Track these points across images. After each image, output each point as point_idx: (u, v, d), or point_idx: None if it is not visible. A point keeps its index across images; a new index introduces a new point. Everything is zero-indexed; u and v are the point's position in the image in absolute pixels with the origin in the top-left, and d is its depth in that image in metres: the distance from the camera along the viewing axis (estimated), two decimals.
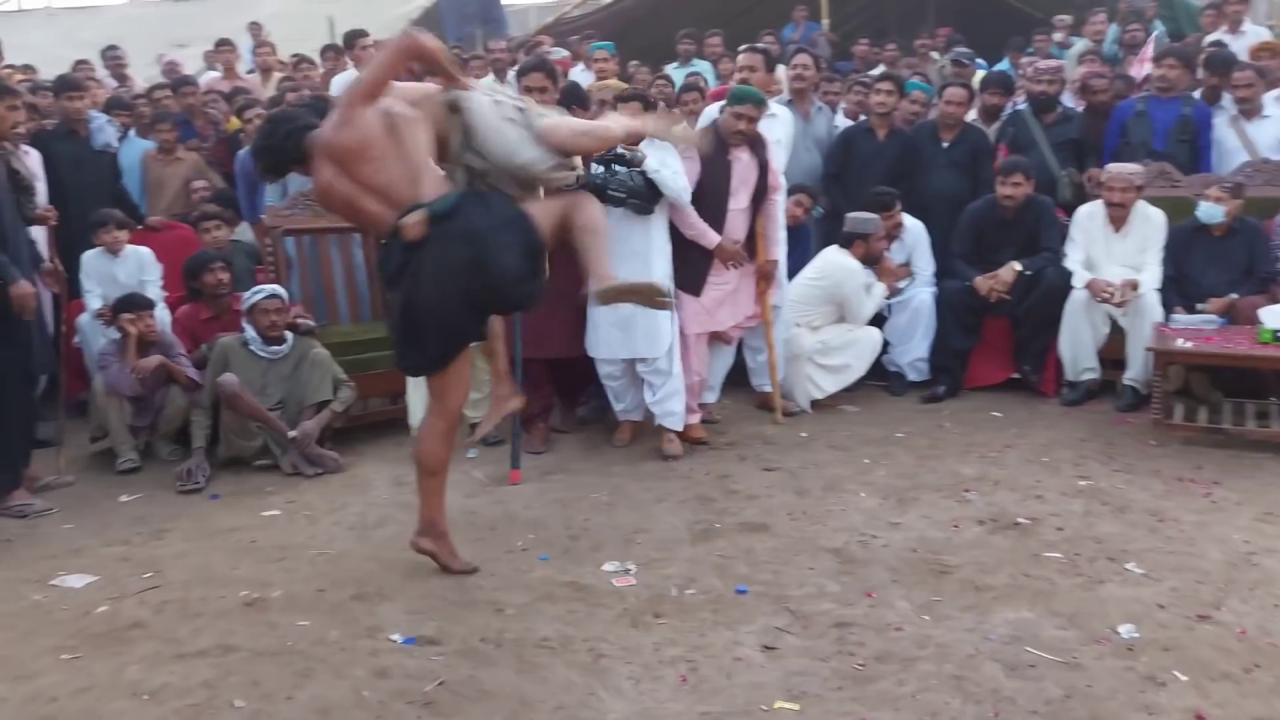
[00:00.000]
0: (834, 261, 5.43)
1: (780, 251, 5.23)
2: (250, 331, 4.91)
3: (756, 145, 5.00)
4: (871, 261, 5.48)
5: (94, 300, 5.49)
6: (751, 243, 5.06)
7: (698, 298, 4.91)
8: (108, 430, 4.91)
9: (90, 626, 3.33)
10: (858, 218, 5.48)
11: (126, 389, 4.85)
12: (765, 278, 5.11)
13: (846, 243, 5.45)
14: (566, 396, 5.31)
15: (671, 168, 4.70)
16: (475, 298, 3.32)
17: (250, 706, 2.85)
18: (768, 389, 5.43)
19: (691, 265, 4.87)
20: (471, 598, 3.47)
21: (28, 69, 8.15)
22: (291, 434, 4.76)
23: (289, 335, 4.97)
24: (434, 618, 3.33)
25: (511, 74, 8.30)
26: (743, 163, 4.97)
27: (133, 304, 5.00)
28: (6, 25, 15.88)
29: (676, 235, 4.85)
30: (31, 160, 5.48)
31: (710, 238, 4.88)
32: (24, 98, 5.13)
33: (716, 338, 5.17)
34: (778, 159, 5.32)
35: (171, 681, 2.98)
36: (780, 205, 5.26)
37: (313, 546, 3.92)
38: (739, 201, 4.97)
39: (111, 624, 3.34)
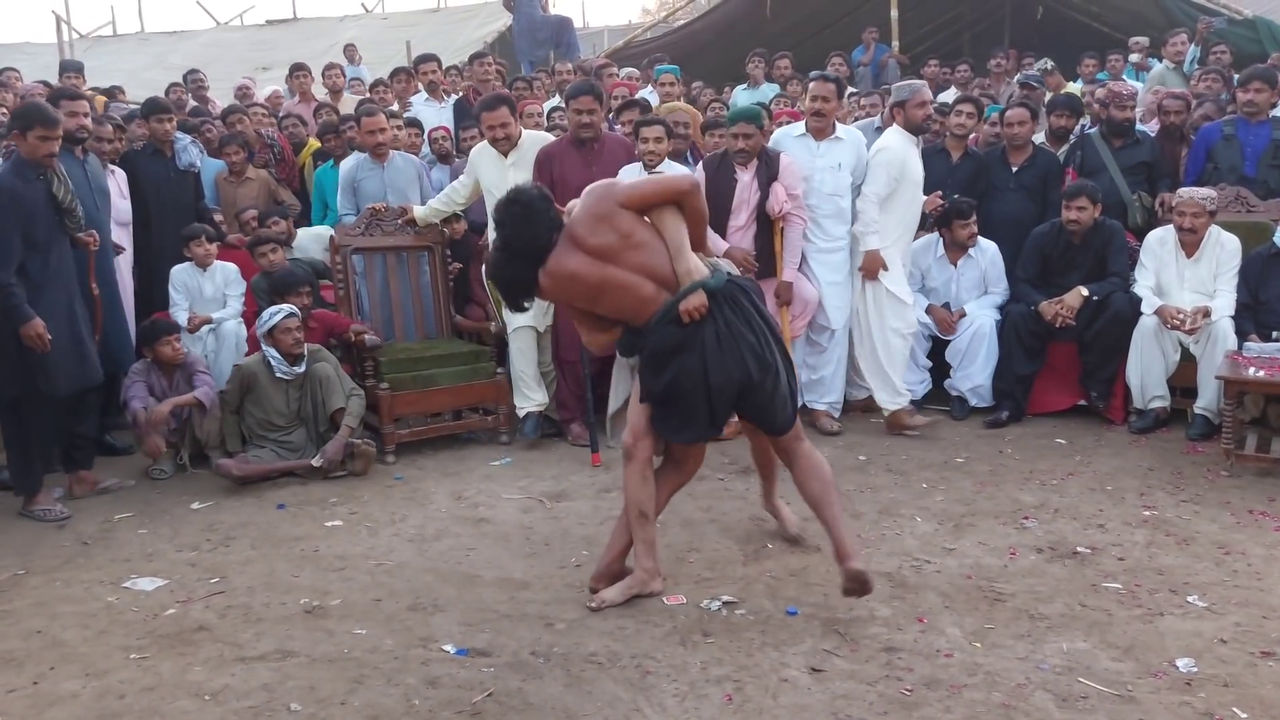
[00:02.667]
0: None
1: (793, 274, 5.28)
2: (273, 352, 5.06)
3: (761, 167, 5.12)
4: (915, 130, 5.42)
5: (181, 313, 5.71)
6: (772, 263, 5.18)
7: None
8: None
9: (159, 628, 3.46)
10: (898, 85, 5.58)
11: (135, 414, 5.01)
12: (779, 298, 5.21)
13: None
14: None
15: None
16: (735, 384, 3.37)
17: (306, 710, 2.93)
18: (819, 407, 5.53)
19: None
20: (523, 611, 3.52)
21: (113, 91, 8.49)
22: (315, 463, 4.92)
23: (305, 353, 5.13)
24: (486, 630, 3.39)
25: None
26: (744, 183, 5.14)
27: (156, 331, 5.20)
28: (102, 49, 16.63)
29: None
30: (118, 179, 5.77)
31: (719, 244, 5.08)
32: (91, 119, 5.34)
33: None
34: (839, 182, 5.35)
35: (232, 684, 3.09)
36: (800, 230, 5.30)
37: (372, 557, 4.02)
38: (738, 220, 5.17)
39: (179, 626, 3.47)
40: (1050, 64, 9.05)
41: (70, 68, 9.39)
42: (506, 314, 5.26)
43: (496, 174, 5.33)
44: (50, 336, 4.35)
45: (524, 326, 5.33)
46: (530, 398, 5.43)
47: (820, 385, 5.53)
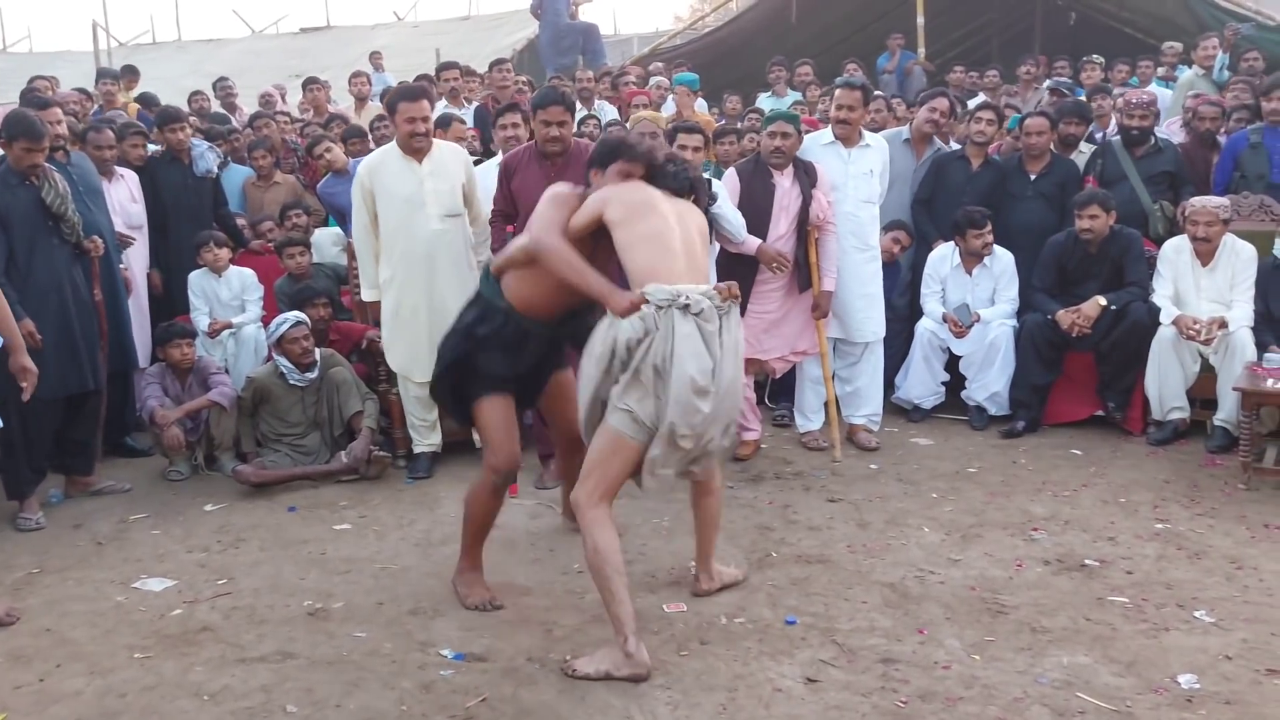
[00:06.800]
0: None
1: (832, 283, 5.11)
2: (285, 361, 5.12)
3: (800, 174, 5.00)
4: None
5: (202, 318, 5.80)
6: (806, 274, 5.04)
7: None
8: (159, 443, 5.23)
9: (164, 628, 3.52)
10: None
11: (151, 412, 5.11)
12: (817, 309, 5.08)
13: None
14: None
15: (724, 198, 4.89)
16: None
17: (301, 712, 2.97)
18: (857, 420, 5.41)
19: None
20: (524, 617, 3.54)
21: (148, 99, 8.61)
22: (343, 464, 4.98)
23: (317, 359, 5.18)
24: (485, 635, 3.41)
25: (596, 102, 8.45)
26: (783, 189, 4.99)
27: (169, 334, 5.28)
28: (140, 57, 16.88)
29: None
30: (128, 183, 5.84)
31: (750, 242, 4.91)
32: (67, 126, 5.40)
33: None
34: (872, 189, 5.26)
35: (232, 684, 3.13)
36: (835, 238, 5.13)
37: (378, 560, 4.05)
38: (779, 228, 4.98)
39: (183, 626, 3.52)
40: (1100, 60, 8.93)
41: (107, 75, 9.59)
42: (387, 356, 5.06)
43: (410, 183, 4.78)
44: (40, 336, 4.41)
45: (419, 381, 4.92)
46: (421, 440, 5.12)
47: (856, 397, 5.39)
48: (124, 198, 5.75)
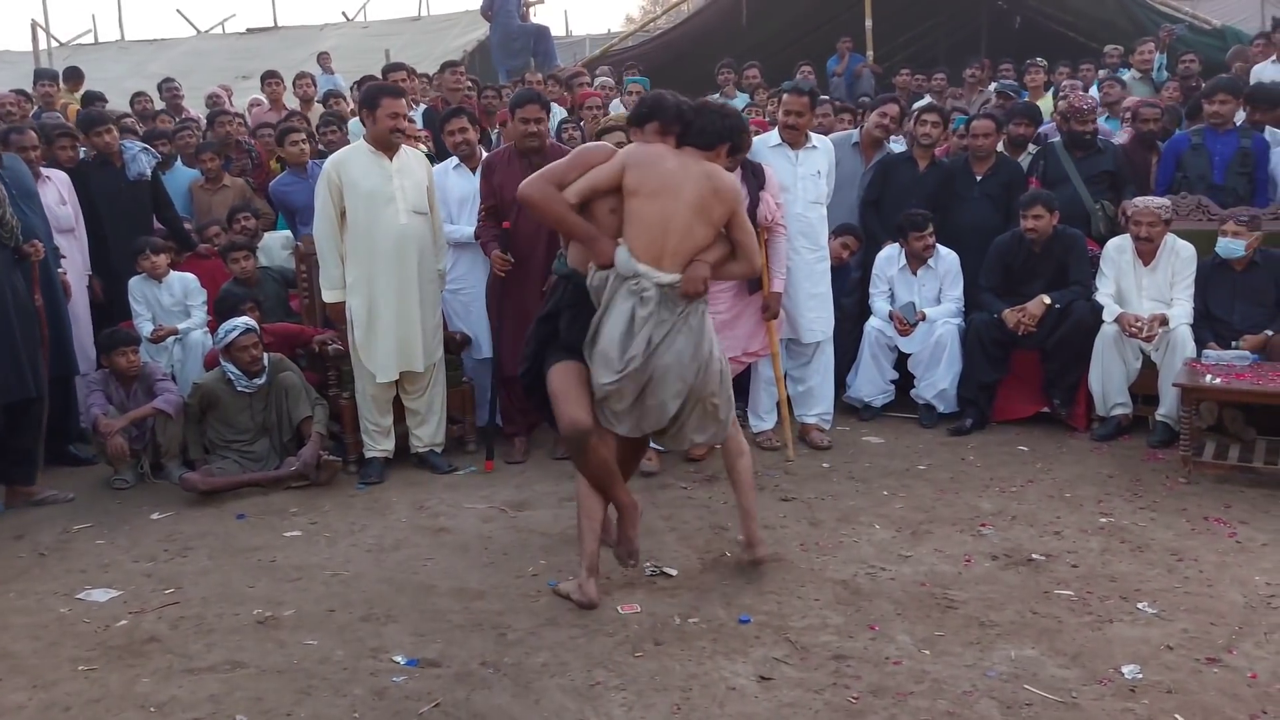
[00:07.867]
0: None
1: (781, 285, 5.12)
2: (232, 368, 5.05)
3: (748, 175, 4.98)
4: None
5: (144, 324, 5.68)
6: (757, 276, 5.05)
7: None
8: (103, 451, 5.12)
9: (109, 639, 3.45)
10: None
11: (93, 419, 5.05)
12: (767, 310, 5.09)
13: None
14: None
15: None
16: None
17: None
18: (809, 420, 5.45)
19: None
20: (477, 621, 3.52)
21: (93, 98, 8.45)
22: (293, 469, 4.92)
23: (265, 364, 5.12)
24: (438, 640, 3.39)
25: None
26: None
27: (114, 341, 5.20)
28: (82, 58, 16.56)
29: None
30: (56, 184, 5.65)
31: None
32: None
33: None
34: (820, 189, 5.30)
35: (179, 695, 3.08)
36: (785, 240, 5.12)
37: (329, 567, 4.01)
38: None
39: (129, 637, 3.46)
40: (1043, 62, 9.08)
41: (44, 75, 9.40)
42: (361, 358, 4.94)
43: (380, 177, 4.79)
44: None
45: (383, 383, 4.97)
46: (374, 445, 5.07)
47: (808, 397, 5.44)
48: (52, 200, 5.54)
